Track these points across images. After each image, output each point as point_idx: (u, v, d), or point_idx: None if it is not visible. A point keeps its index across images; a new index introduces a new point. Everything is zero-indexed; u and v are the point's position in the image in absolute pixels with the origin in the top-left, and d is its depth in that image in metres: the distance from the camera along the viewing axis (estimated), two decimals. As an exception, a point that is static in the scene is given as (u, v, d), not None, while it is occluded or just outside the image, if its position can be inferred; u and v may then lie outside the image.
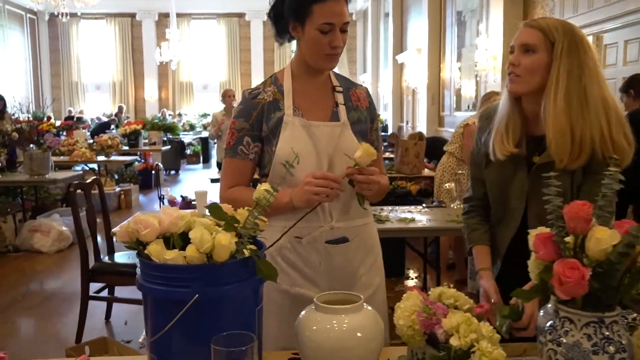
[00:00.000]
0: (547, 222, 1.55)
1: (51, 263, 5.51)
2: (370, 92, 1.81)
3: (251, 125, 1.63)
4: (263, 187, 1.23)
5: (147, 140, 10.12)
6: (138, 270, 1.22)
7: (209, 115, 19.09)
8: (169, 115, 17.35)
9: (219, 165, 6.66)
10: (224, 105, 6.96)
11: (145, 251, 1.15)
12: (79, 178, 5.80)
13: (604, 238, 0.95)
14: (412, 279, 4.94)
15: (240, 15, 19.32)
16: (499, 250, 1.66)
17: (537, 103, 1.53)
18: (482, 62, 7.04)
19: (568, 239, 1.02)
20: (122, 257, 3.61)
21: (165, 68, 18.33)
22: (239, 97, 2.40)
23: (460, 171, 3.87)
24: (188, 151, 14.03)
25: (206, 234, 1.11)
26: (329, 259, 1.60)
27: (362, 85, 1.78)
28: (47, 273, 5.25)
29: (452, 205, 3.65)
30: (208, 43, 19.58)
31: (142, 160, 10.35)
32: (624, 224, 1.00)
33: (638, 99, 3.87)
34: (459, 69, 9.04)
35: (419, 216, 3.33)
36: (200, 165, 14.12)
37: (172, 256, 1.12)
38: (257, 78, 19.40)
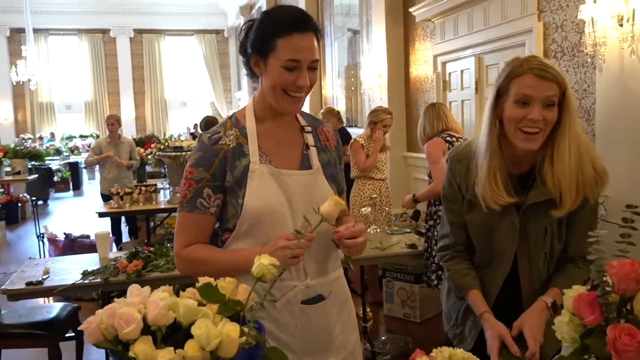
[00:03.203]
0: (536, 261, 1.54)
1: None
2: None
3: (212, 175, 1.43)
4: (264, 260, 1.06)
5: (9, 169, 9.15)
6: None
7: (75, 137, 17.76)
8: (32, 137, 15.89)
9: (103, 197, 6.12)
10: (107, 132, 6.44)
11: (131, 353, 0.93)
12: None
13: (657, 299, 0.91)
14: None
15: (105, 32, 18.21)
16: (489, 293, 1.60)
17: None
18: (367, 81, 7.20)
19: (611, 299, 0.97)
20: (11, 315, 3.10)
21: (21, 88, 16.71)
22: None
23: (374, 195, 3.87)
24: (56, 178, 12.88)
25: (213, 329, 0.92)
26: (306, 321, 1.45)
27: (327, 123, 1.65)
28: None
29: (369, 230, 3.63)
30: (70, 60, 18.15)
31: (3, 192, 9.32)
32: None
33: None
34: (340, 85, 9.20)
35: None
36: (71, 192, 13.00)
37: (168, 358, 0.91)
38: (126, 96, 18.38)
